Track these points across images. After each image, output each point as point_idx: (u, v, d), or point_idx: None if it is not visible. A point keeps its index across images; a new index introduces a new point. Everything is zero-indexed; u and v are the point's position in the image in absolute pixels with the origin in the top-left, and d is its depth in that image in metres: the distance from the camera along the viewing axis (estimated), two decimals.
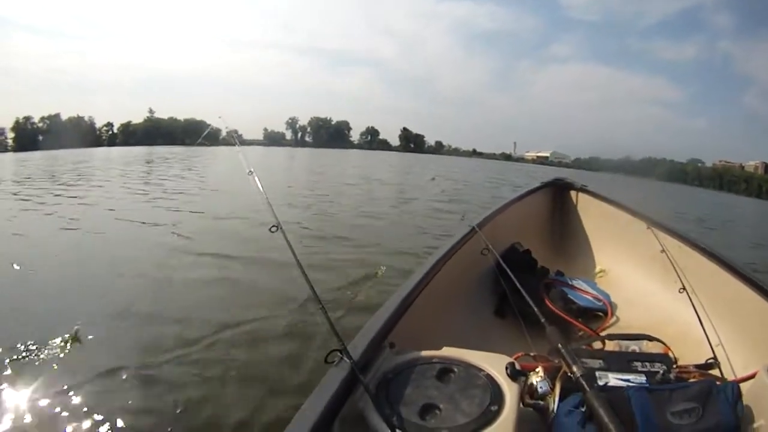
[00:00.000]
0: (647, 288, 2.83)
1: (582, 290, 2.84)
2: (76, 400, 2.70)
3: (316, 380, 1.31)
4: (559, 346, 1.40)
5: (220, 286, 4.65)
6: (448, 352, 1.48)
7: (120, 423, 2.51)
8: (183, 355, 3.23)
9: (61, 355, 3.18)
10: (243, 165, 2.26)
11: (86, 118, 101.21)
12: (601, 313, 2.68)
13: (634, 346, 1.85)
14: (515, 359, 1.41)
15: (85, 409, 2.62)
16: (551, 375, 1.38)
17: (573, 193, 3.83)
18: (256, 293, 4.42)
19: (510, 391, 1.31)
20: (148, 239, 6.82)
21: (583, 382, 1.25)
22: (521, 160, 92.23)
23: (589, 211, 3.69)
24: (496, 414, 1.22)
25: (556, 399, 1.33)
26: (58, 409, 2.63)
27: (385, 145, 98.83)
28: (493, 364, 1.40)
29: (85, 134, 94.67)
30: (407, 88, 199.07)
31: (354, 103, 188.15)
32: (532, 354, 1.53)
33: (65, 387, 2.79)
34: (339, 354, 1.35)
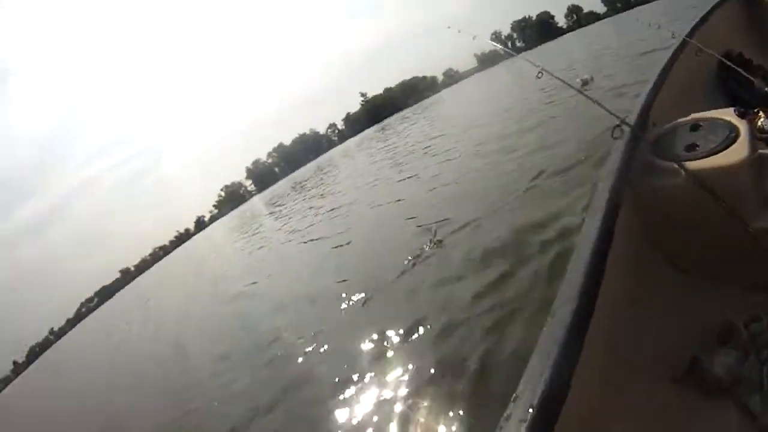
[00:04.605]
0: None
1: None
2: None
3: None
4: None
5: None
6: (693, 116, 2.03)
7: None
8: None
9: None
10: (531, 69, 2.36)
11: (307, 132, 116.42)
12: None
13: None
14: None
15: None
16: None
17: None
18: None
19: (741, 124, 1.80)
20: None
21: None
22: None
23: None
24: (735, 137, 1.74)
25: None
26: None
27: (594, 17, 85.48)
28: (725, 113, 1.92)
29: (315, 144, 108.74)
30: None
31: None
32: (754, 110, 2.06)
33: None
34: (619, 128, 1.94)
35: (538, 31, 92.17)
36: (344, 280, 5.89)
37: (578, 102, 8.02)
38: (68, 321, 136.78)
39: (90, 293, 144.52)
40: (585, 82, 10.70)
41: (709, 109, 2.05)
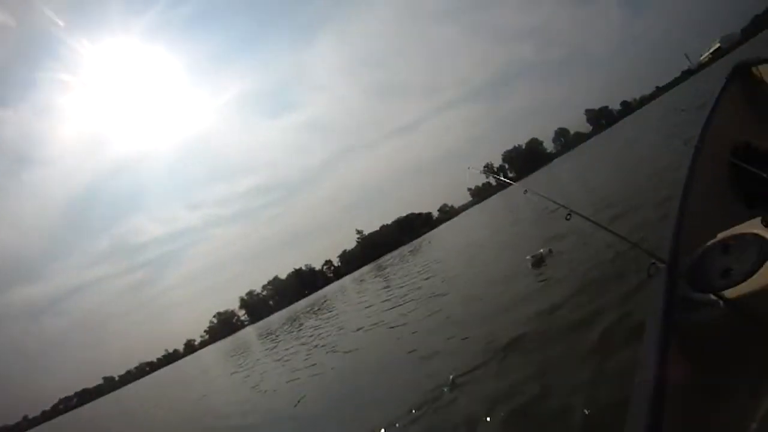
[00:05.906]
0: None
1: None
2: None
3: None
4: None
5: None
6: (720, 236, 1.97)
7: None
8: None
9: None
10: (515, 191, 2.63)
11: (303, 268, 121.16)
12: None
13: None
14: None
15: None
16: None
17: (756, 71, 3.54)
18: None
19: None
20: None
21: None
22: (702, 67, 72.78)
23: None
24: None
25: None
26: None
27: (580, 138, 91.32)
28: (752, 226, 1.87)
29: (310, 279, 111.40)
30: (567, 71, 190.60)
31: (531, 116, 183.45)
32: None
33: None
34: (654, 265, 1.96)
35: (527, 158, 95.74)
36: None
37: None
38: (43, 413, 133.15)
39: (71, 392, 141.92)
40: (539, 260, 7.36)
41: (736, 221, 1.98)
